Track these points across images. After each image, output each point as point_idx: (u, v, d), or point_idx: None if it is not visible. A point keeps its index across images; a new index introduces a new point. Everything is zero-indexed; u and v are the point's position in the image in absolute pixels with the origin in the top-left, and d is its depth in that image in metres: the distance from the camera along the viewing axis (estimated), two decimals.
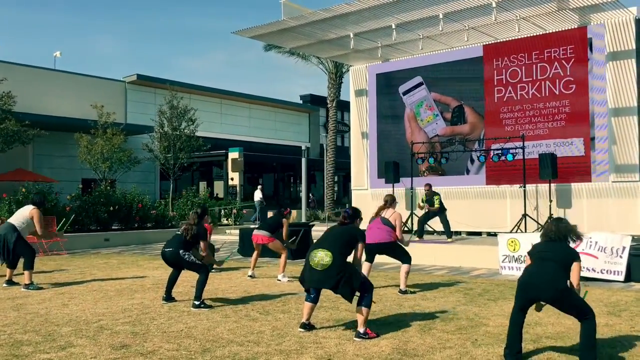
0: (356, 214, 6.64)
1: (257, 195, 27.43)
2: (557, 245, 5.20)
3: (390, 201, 8.96)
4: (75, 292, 9.05)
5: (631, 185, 13.92)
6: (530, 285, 5.07)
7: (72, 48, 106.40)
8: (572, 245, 5.26)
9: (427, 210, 14.08)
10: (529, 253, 5.39)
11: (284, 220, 10.49)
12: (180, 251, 7.72)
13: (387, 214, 8.78)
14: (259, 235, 10.41)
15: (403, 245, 8.90)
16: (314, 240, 6.60)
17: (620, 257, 9.84)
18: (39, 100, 26.97)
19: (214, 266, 9.22)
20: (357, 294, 6.05)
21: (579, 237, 5.30)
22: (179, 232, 7.90)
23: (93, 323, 6.73)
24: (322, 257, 6.02)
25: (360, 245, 6.31)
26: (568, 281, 5.03)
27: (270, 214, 12.28)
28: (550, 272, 5.00)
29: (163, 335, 6.11)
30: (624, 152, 14.04)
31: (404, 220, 15.16)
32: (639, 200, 13.80)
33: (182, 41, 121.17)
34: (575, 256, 5.13)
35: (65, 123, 26.24)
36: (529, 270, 5.17)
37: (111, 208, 18.70)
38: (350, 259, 6.22)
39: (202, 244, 7.92)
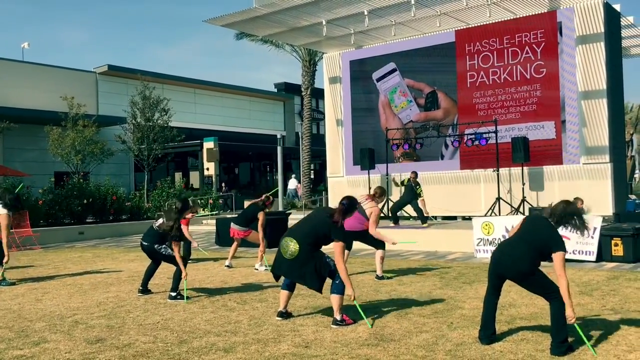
0: (352, 206, 6.10)
1: (293, 183, 28.34)
2: (543, 227, 4.96)
3: (379, 194, 8.80)
4: (49, 287, 8.92)
5: (601, 167, 14.18)
6: (498, 262, 5.13)
7: (40, 39, 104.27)
8: (567, 232, 4.91)
9: (398, 183, 14.30)
10: (524, 218, 5.27)
11: (261, 213, 10.19)
12: (156, 246, 7.64)
13: (367, 205, 8.59)
14: (235, 229, 10.38)
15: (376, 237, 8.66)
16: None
17: (592, 237, 10.02)
18: (7, 93, 26.41)
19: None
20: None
21: (579, 228, 4.90)
22: (156, 226, 7.75)
23: (67, 318, 6.64)
24: (290, 246, 5.96)
25: (338, 245, 5.91)
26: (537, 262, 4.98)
27: (247, 203, 12.19)
28: (519, 253, 4.99)
29: (139, 328, 6.06)
30: (594, 134, 14.27)
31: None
32: (609, 182, 14.06)
33: (154, 30, 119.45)
34: (555, 244, 4.80)
35: (35, 115, 25.75)
36: (502, 245, 5.20)
37: (85, 201, 18.46)
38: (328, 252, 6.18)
39: (173, 244, 7.49)
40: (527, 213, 13.32)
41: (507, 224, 10.55)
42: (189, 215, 9.99)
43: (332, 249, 5.96)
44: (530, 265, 4.95)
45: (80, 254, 13.61)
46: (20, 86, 27.23)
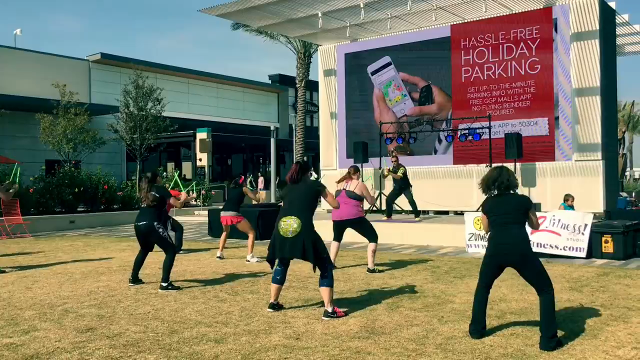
0: (306, 166, 6.49)
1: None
2: (510, 200, 5.22)
3: (353, 171, 8.86)
4: (39, 275, 8.88)
5: (593, 164, 14.24)
6: (497, 254, 5.17)
7: (33, 26, 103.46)
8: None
9: (385, 174, 14.29)
10: (485, 212, 5.33)
11: (244, 189, 10.52)
12: (155, 223, 7.62)
13: (352, 186, 8.68)
14: (227, 216, 10.38)
15: (371, 198, 8.94)
16: None
17: (582, 234, 10.08)
18: None
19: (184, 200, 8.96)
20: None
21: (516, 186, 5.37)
22: (145, 205, 7.79)
23: (58, 306, 6.62)
24: (291, 224, 6.00)
25: (326, 194, 6.46)
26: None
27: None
28: (514, 235, 5.10)
29: (130, 318, 6.05)
30: (587, 131, 14.32)
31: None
32: (600, 179, 14.13)
33: (148, 19, 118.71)
34: (528, 204, 5.22)
35: (27, 103, 25.55)
36: (494, 238, 5.21)
37: (76, 190, 18.36)
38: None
39: (169, 202, 7.92)
40: None
41: None
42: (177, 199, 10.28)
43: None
44: (528, 241, 5.14)
45: (71, 243, 13.55)
46: (12, 73, 26.99)
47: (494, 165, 5.74)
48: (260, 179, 30.19)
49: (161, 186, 8.03)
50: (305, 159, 31.62)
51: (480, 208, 5.42)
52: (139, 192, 7.94)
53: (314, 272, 6.25)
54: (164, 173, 23.07)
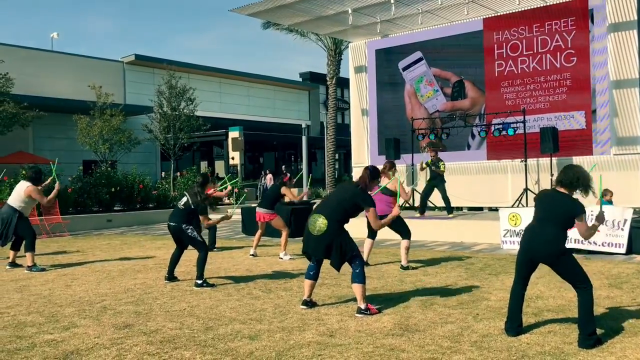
0: (376, 172, 6.28)
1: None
2: (561, 200, 4.98)
3: (389, 167, 8.75)
4: (78, 273, 9.08)
5: (633, 157, 13.87)
6: (528, 248, 5.09)
7: (69, 29, 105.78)
8: (579, 197, 4.92)
9: (423, 167, 14.05)
10: (535, 199, 5.25)
11: (284, 188, 10.35)
12: (183, 225, 7.75)
13: (385, 181, 8.56)
14: (260, 213, 10.43)
15: (405, 196, 8.64)
16: None
17: (622, 229, 9.83)
18: (37, 82, 26.86)
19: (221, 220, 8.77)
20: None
21: (586, 190, 4.99)
22: (181, 205, 7.90)
23: (96, 303, 6.76)
24: (318, 221, 5.97)
25: (371, 211, 6.09)
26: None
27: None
28: (546, 234, 4.95)
29: (166, 315, 6.14)
30: (626, 124, 13.96)
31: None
32: None
33: (180, 20, 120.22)
34: (576, 211, 4.89)
35: (64, 104, 26.16)
36: (528, 231, 5.13)
37: (113, 189, 18.72)
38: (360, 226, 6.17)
39: (201, 217, 7.95)
40: None
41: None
42: (211, 191, 10.19)
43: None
44: (559, 244, 4.94)
45: (108, 241, 13.82)
46: (49, 75, 27.67)
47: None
48: (269, 176, 29.82)
49: (202, 200, 7.94)
50: (337, 156, 31.54)
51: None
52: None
53: (338, 271, 6.22)
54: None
